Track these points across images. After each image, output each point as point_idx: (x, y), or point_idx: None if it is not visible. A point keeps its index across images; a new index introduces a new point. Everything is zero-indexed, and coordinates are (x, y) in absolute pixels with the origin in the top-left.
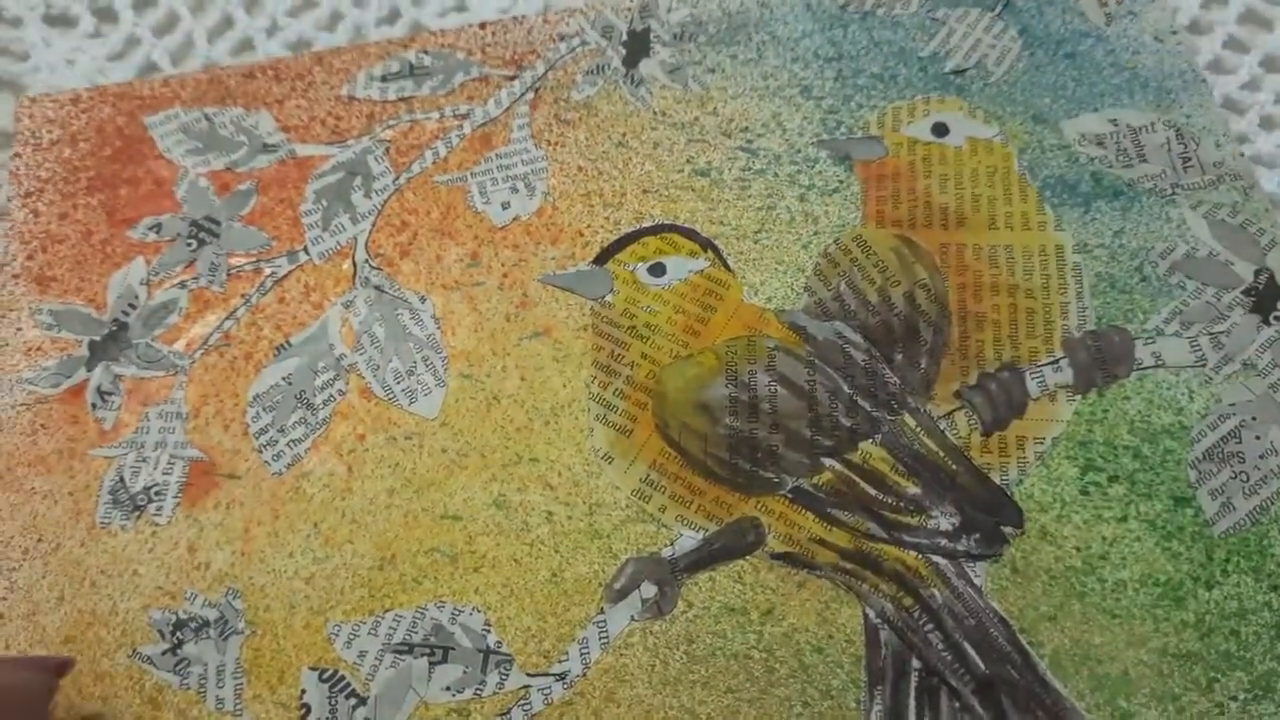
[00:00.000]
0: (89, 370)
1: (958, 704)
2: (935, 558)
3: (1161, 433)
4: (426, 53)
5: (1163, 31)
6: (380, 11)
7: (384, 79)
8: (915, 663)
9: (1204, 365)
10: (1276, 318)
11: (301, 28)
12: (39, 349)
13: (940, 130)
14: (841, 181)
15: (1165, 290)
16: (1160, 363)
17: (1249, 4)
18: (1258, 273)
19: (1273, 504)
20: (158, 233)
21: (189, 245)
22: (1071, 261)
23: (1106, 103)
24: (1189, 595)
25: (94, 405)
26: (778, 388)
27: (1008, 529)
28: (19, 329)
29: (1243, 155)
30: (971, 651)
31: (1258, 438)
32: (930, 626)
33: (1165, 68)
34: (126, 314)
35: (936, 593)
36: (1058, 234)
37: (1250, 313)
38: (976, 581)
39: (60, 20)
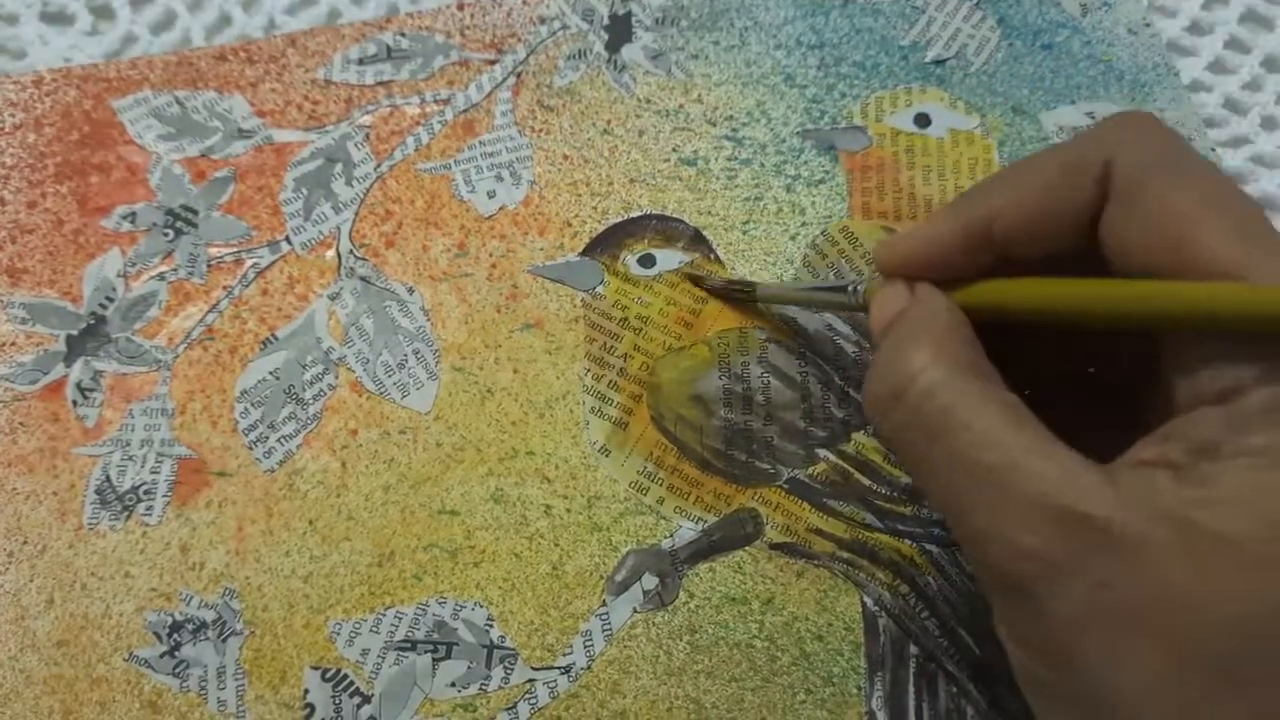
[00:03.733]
0: (68, 366)
1: (955, 688)
2: (929, 546)
3: None
4: (404, 35)
5: (1136, 24)
6: (378, 11)
7: (361, 62)
8: (913, 649)
9: None
10: None
11: (299, 25)
12: (13, 344)
13: (922, 121)
14: (827, 172)
15: None
16: None
17: (1250, 4)
18: None
19: None
20: (132, 222)
21: (166, 235)
22: None
23: (1083, 95)
24: None
25: (75, 402)
26: (771, 379)
27: None
28: None
29: (1213, 150)
30: (966, 637)
31: None
32: (926, 613)
33: (1139, 60)
34: (104, 307)
35: (931, 580)
36: None
37: None
38: (969, 569)
39: (57, 18)
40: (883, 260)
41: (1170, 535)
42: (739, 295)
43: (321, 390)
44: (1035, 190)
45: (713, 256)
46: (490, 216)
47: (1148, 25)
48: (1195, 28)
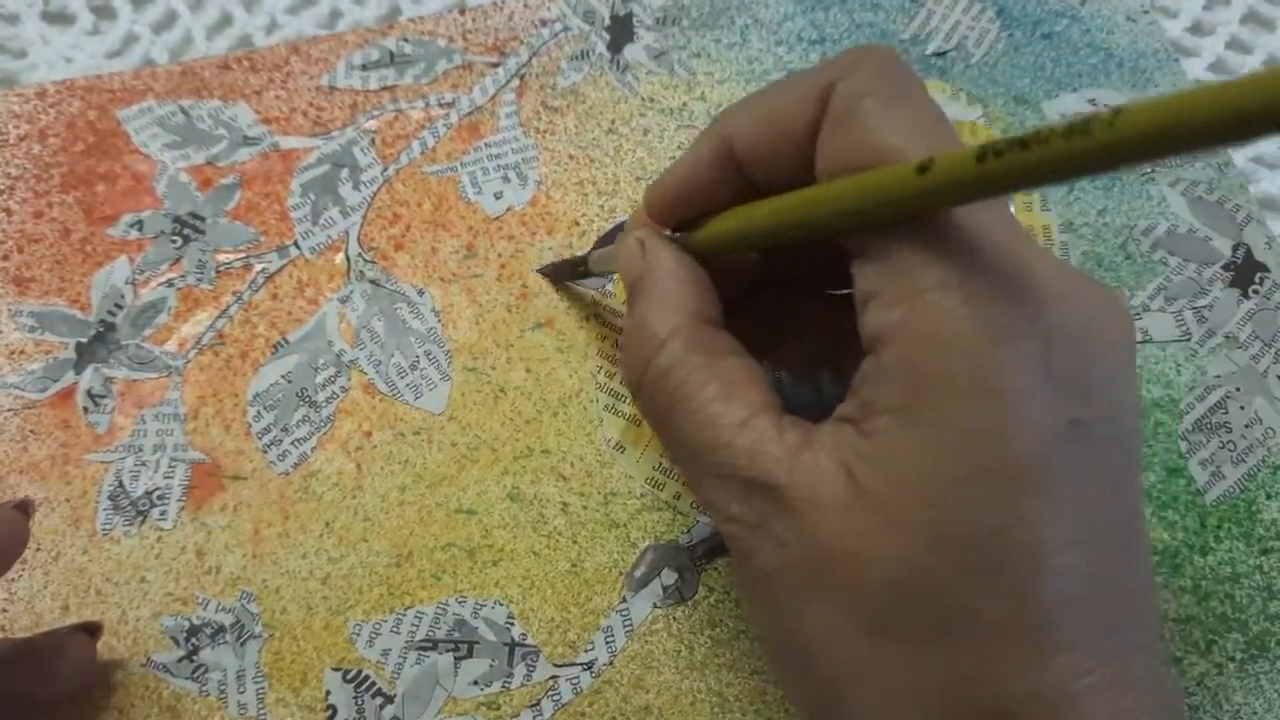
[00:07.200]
0: (78, 373)
1: None
2: None
3: (1152, 406)
4: (407, 40)
5: (1135, 11)
6: (380, 10)
7: (364, 68)
8: None
9: (1189, 339)
10: (1255, 291)
11: (300, 25)
12: (21, 352)
13: None
14: None
15: (1149, 267)
16: (1148, 338)
17: (1251, 5)
18: (1235, 248)
19: (1259, 471)
20: (139, 230)
21: (174, 242)
22: (1059, 240)
23: (1084, 83)
24: (1185, 562)
25: (85, 409)
26: (783, 374)
27: None
28: None
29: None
30: None
31: (1242, 408)
32: None
33: (1139, 46)
34: (113, 314)
35: None
36: (1044, 214)
37: (1230, 287)
38: None
39: (58, 17)
40: (650, 199)
41: (838, 494)
42: (579, 273)
43: (334, 393)
44: (766, 108)
45: None
46: (498, 217)
47: (1146, 13)
48: (1197, 28)
